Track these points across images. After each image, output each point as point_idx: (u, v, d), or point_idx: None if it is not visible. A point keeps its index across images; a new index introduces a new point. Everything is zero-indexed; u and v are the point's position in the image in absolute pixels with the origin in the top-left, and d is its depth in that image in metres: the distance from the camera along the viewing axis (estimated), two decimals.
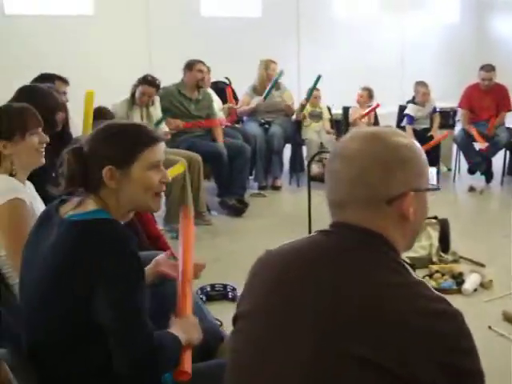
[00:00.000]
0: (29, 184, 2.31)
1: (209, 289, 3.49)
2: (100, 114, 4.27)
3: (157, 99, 5.04)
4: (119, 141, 1.64)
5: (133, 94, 4.86)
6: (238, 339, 1.26)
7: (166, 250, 2.98)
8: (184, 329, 1.71)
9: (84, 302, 1.49)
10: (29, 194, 2.19)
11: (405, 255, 3.83)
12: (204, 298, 3.38)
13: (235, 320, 1.30)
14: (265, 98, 5.99)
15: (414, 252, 3.81)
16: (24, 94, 2.95)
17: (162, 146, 1.71)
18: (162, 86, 5.37)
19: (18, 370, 1.52)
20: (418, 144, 1.25)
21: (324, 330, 1.09)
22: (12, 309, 1.88)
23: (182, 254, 1.94)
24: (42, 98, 2.87)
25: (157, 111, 5.00)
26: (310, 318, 1.12)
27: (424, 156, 1.23)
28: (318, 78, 5.97)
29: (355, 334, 1.07)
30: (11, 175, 2.18)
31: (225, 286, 3.53)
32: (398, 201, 1.18)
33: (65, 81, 4.17)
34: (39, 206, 2.26)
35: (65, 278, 1.51)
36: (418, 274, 3.57)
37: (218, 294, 3.50)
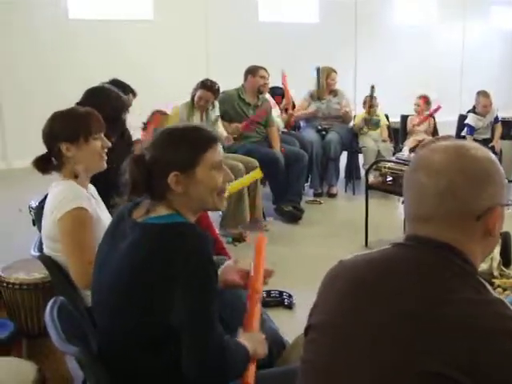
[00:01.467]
0: (91, 188, 2.35)
1: (265, 295, 3.49)
2: None
3: (216, 104, 5.09)
4: (180, 145, 1.65)
5: (193, 98, 4.91)
6: (310, 350, 1.26)
7: (223, 254, 3.02)
8: (251, 342, 1.72)
9: (160, 304, 1.51)
10: (91, 199, 2.23)
11: None
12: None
13: (307, 330, 1.30)
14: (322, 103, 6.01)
15: None
16: (93, 94, 3.00)
17: (220, 146, 1.73)
18: (223, 90, 5.45)
19: (90, 368, 1.56)
20: (494, 156, 1.23)
21: (398, 346, 1.08)
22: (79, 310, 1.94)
23: (254, 272, 1.94)
24: (110, 98, 2.94)
25: (216, 115, 5.04)
26: (378, 332, 1.11)
27: (501, 168, 1.21)
28: (372, 88, 5.98)
29: (434, 349, 1.05)
30: (76, 177, 2.23)
31: (281, 293, 3.53)
32: (486, 216, 1.16)
33: (135, 94, 4.28)
34: (102, 209, 2.30)
35: (142, 281, 1.53)
36: None
37: (273, 300, 3.49)
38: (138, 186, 1.65)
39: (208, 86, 4.91)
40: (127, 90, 4.12)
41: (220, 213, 4.70)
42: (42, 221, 2.24)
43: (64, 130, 2.22)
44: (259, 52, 8.28)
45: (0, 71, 7.11)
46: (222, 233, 4.67)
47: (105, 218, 2.21)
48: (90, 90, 3.08)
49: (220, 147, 1.74)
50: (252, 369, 1.70)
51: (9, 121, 7.18)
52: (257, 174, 3.90)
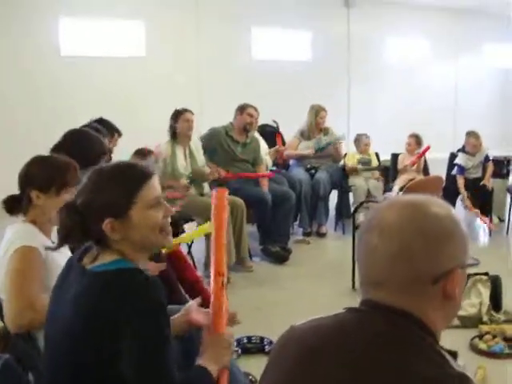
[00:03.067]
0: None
1: (245, 341, 3.38)
2: (143, 153, 4.31)
3: (198, 142, 5.04)
4: (111, 187, 1.55)
5: (173, 133, 4.85)
6: None
7: (203, 295, 2.91)
8: (215, 353, 1.64)
9: (109, 355, 1.42)
10: (46, 243, 2.13)
11: None
12: (239, 351, 3.27)
13: None
14: (316, 151, 5.96)
15: (463, 310, 3.61)
16: (71, 137, 2.96)
17: (156, 179, 1.61)
18: (211, 127, 5.42)
19: None
20: (456, 214, 1.13)
21: None
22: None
23: (214, 243, 1.80)
24: (88, 142, 2.89)
25: (199, 153, 4.99)
26: None
27: (464, 227, 1.12)
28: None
29: None
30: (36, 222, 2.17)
31: (262, 339, 3.41)
32: (444, 279, 1.06)
33: (120, 134, 4.25)
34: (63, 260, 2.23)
35: (89, 331, 1.44)
36: (467, 335, 3.38)
37: (254, 346, 3.37)
38: (73, 234, 1.56)
39: (184, 109, 4.88)
40: (112, 129, 4.09)
41: (204, 253, 4.61)
42: None
43: (39, 178, 2.17)
44: (252, 89, 8.31)
45: None
46: (206, 274, 4.57)
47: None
48: (70, 132, 3.04)
49: (157, 180, 1.62)
50: (224, 379, 1.64)
51: None
52: (206, 227, 3.73)
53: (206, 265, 4.59)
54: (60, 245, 1.64)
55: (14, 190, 2.22)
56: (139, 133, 6.55)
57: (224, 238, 1.86)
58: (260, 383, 1.22)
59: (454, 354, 1.07)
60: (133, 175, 1.58)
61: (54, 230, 2.21)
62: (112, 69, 7.78)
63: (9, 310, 2.01)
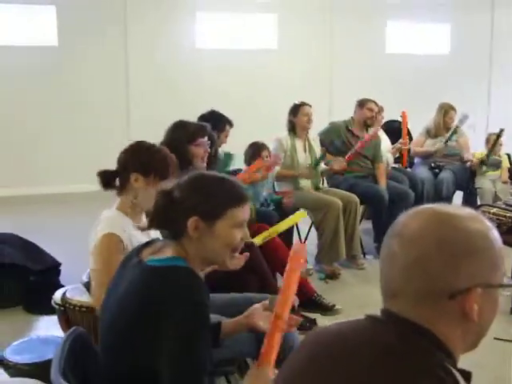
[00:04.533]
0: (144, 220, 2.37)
1: None
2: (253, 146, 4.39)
3: (316, 139, 5.02)
4: (210, 194, 1.63)
5: (292, 126, 4.87)
6: None
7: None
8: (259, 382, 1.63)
9: (149, 347, 1.48)
10: (132, 230, 2.29)
11: None
12: None
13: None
14: (445, 142, 5.73)
15: None
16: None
17: (249, 206, 1.70)
18: (331, 121, 5.39)
19: None
20: (494, 232, 1.04)
21: None
22: None
23: (282, 294, 1.81)
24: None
25: (317, 147, 4.97)
26: None
27: (499, 245, 1.03)
28: (501, 131, 5.58)
29: None
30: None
31: None
32: (461, 296, 0.99)
33: (231, 125, 4.36)
34: None
35: (134, 322, 1.51)
36: None
37: None
38: (157, 219, 1.65)
39: (302, 102, 4.85)
40: (223, 122, 4.22)
41: (316, 245, 4.60)
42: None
43: (143, 163, 2.30)
44: (385, 84, 8.13)
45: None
46: (316, 268, 4.58)
47: None
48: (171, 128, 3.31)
49: (249, 207, 1.71)
50: None
51: None
52: (299, 215, 3.66)
53: (316, 260, 4.60)
54: (149, 227, 1.72)
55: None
56: (263, 124, 6.70)
57: (295, 287, 1.82)
58: (277, 375, 1.23)
59: (467, 375, 1.00)
60: (237, 192, 1.68)
61: (143, 216, 2.35)
62: (244, 61, 7.95)
63: (91, 290, 2.25)
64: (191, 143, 3.18)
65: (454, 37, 9.20)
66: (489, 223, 1.06)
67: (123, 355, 1.54)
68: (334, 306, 3.79)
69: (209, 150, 3.30)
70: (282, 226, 3.23)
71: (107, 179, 2.34)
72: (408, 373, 0.96)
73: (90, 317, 2.37)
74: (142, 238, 2.19)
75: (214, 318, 1.68)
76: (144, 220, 2.32)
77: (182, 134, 3.17)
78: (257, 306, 1.94)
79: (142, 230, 1.86)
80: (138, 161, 2.30)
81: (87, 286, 2.47)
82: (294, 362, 1.14)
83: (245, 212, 1.67)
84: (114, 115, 7.55)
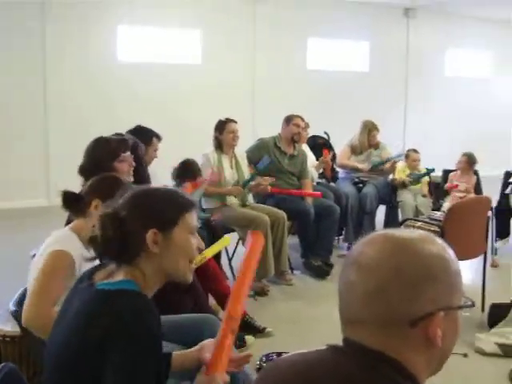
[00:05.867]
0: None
1: (274, 357, 3.32)
2: (188, 165, 4.33)
3: (243, 156, 5.01)
4: (160, 204, 1.61)
5: (219, 144, 4.83)
6: None
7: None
8: None
9: (94, 372, 1.41)
10: (84, 252, 2.20)
11: (494, 340, 3.48)
12: None
13: None
14: (372, 167, 5.87)
15: (506, 339, 3.46)
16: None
17: (197, 212, 1.69)
18: (259, 138, 5.40)
19: None
20: (450, 251, 1.04)
21: None
22: None
23: (235, 286, 1.76)
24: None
25: (244, 164, 4.96)
26: None
27: (457, 265, 1.03)
28: (430, 171, 5.81)
29: None
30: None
31: (279, 354, 3.35)
32: (423, 322, 0.98)
33: (159, 138, 4.28)
34: None
35: (79, 347, 1.44)
36: (508, 365, 3.21)
37: None
38: (111, 244, 1.55)
39: (228, 119, 4.84)
40: (150, 135, 4.15)
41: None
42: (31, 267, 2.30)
43: (106, 191, 2.21)
44: (305, 99, 8.27)
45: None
46: None
47: None
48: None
49: (196, 213, 1.68)
50: None
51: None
52: (224, 242, 3.68)
53: None
54: (98, 256, 1.64)
55: None
56: (187, 139, 6.65)
57: (248, 286, 1.82)
58: None
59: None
60: (183, 198, 1.66)
61: None
62: (166, 75, 7.90)
63: (27, 306, 2.15)
64: (114, 160, 3.07)
65: (373, 55, 9.50)
66: (443, 243, 1.05)
67: (66, 376, 1.47)
68: (264, 328, 3.77)
69: (134, 163, 3.20)
70: (209, 252, 3.22)
71: (69, 200, 2.32)
72: None
73: (15, 347, 2.25)
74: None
75: (164, 346, 1.60)
76: None
77: (103, 152, 3.05)
78: (208, 341, 1.90)
79: (91, 260, 1.75)
80: (102, 189, 2.28)
81: (15, 314, 2.32)
82: None
83: (194, 218, 1.65)
84: (33, 126, 7.44)
